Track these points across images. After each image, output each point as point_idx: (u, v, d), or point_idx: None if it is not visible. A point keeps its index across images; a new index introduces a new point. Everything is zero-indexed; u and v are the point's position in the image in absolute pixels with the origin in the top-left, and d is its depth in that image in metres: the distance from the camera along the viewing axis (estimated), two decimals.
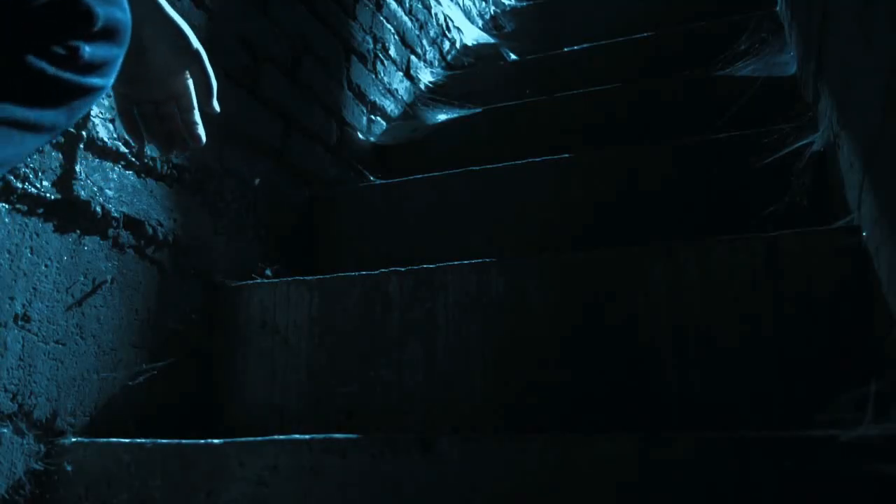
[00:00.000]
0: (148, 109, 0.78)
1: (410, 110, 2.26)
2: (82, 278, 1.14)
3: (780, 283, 1.08)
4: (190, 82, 0.79)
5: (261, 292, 1.40)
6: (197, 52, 0.76)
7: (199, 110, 0.81)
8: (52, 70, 0.58)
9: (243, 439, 1.03)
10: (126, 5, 0.63)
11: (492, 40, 2.84)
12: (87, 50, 0.60)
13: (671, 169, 1.47)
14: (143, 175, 1.26)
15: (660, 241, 1.28)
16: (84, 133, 1.16)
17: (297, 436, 1.00)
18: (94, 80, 0.62)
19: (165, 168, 1.31)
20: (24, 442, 1.05)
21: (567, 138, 1.84)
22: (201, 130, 0.80)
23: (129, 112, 0.79)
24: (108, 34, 0.62)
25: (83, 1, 0.58)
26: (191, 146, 0.81)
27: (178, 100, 0.79)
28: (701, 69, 1.83)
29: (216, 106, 0.79)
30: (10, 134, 0.58)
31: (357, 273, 1.36)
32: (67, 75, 0.60)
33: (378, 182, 1.84)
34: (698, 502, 0.81)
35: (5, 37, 0.56)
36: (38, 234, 1.07)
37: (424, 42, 2.53)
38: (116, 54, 0.64)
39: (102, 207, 1.18)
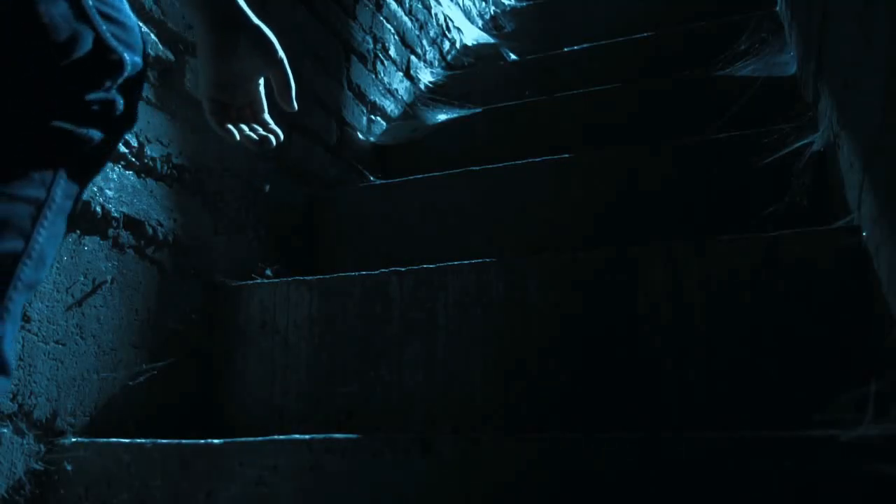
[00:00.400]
0: (232, 113, 0.84)
1: (410, 110, 2.26)
2: (82, 278, 1.14)
3: (780, 283, 1.08)
4: (261, 87, 0.84)
5: (261, 292, 1.40)
6: (281, 60, 0.82)
7: (274, 109, 0.87)
8: (98, 135, 0.63)
9: (243, 439, 1.03)
10: (143, 50, 0.67)
11: (492, 40, 2.84)
12: (120, 102, 0.64)
13: (671, 169, 1.47)
14: (142, 175, 1.26)
15: (660, 241, 1.28)
16: None
17: (297, 436, 1.00)
18: (124, 134, 0.68)
19: (165, 168, 1.31)
20: (24, 442, 1.05)
21: (567, 138, 1.84)
22: (276, 127, 0.86)
23: (219, 115, 0.84)
24: (138, 82, 0.66)
25: (115, 50, 0.61)
26: (273, 142, 0.86)
27: (253, 104, 0.85)
28: (701, 69, 1.83)
29: (294, 105, 0.85)
30: (66, 210, 0.63)
31: (357, 273, 1.36)
32: (106, 137, 0.64)
33: (378, 182, 1.84)
34: (699, 502, 0.81)
35: (46, 105, 0.60)
36: None
37: (424, 42, 2.53)
38: (139, 99, 0.69)
39: (102, 207, 1.18)
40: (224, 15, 0.78)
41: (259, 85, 0.84)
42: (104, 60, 0.61)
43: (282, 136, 0.87)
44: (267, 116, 0.86)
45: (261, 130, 0.85)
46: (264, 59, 0.80)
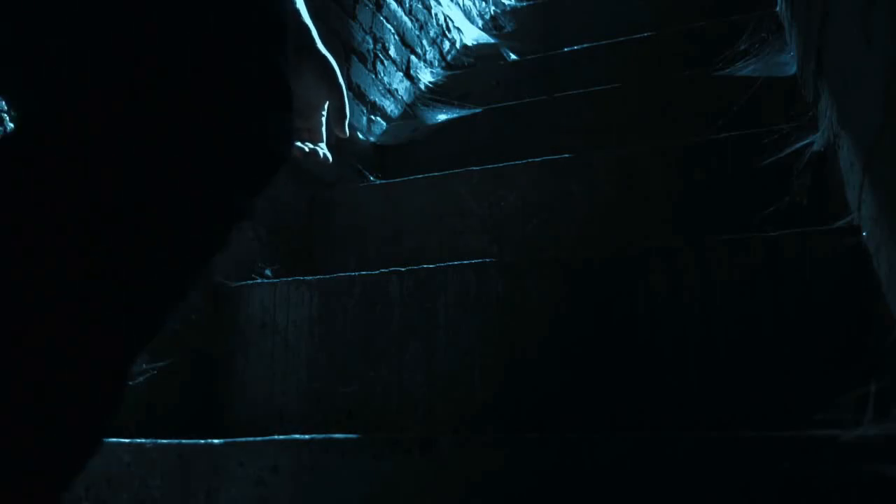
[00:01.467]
0: (293, 137, 0.86)
1: (410, 110, 2.26)
2: None
3: (780, 283, 1.08)
4: (323, 118, 0.87)
5: (261, 292, 1.40)
6: (341, 87, 0.84)
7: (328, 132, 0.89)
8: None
9: (243, 439, 1.03)
10: None
11: (492, 40, 2.83)
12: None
13: (671, 169, 1.47)
14: None
15: (660, 240, 1.28)
16: None
17: (297, 436, 1.00)
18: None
19: None
20: None
21: (567, 138, 1.84)
22: (329, 155, 0.89)
23: None
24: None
25: (286, 80, 0.65)
26: (320, 156, 0.89)
27: (312, 133, 0.87)
28: (701, 69, 1.83)
29: (347, 132, 0.88)
30: None
31: (357, 273, 1.36)
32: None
33: (378, 182, 1.84)
34: (698, 501, 0.80)
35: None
36: None
37: (424, 42, 2.53)
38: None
39: None
40: (297, 42, 0.80)
41: (322, 115, 0.86)
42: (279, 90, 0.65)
43: (331, 160, 0.89)
44: (323, 145, 0.88)
45: (310, 145, 0.87)
46: (328, 86, 0.83)
